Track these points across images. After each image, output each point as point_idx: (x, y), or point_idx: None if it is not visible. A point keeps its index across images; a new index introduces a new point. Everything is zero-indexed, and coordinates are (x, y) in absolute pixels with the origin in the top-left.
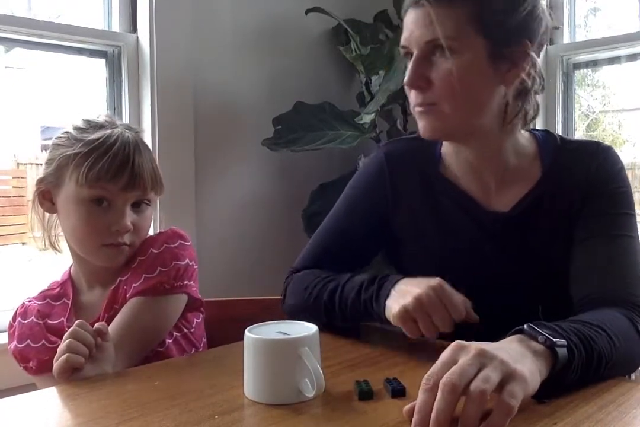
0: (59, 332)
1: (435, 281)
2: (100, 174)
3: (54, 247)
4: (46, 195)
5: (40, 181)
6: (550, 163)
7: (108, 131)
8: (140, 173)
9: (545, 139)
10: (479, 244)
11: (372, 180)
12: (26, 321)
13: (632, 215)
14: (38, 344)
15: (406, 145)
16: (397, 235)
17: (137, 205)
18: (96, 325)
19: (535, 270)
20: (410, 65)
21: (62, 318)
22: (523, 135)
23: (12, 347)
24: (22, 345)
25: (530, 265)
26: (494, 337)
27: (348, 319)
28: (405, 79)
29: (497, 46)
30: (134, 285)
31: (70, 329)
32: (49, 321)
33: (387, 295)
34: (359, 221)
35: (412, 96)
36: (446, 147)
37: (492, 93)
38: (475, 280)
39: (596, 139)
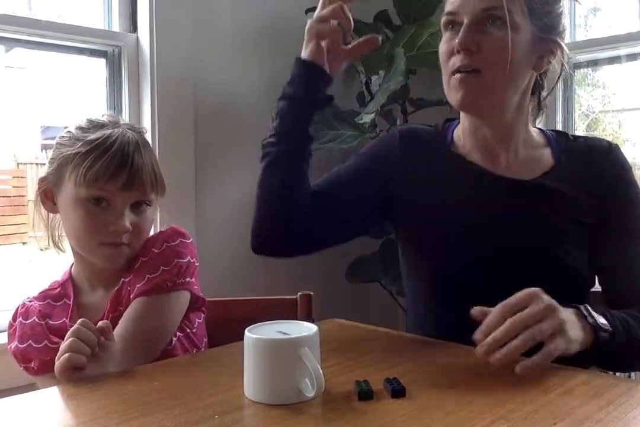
0: (60, 333)
1: None
2: (98, 174)
3: (57, 246)
4: (48, 195)
5: (42, 180)
6: (561, 156)
7: (109, 131)
8: (139, 173)
9: (554, 135)
10: (487, 211)
11: (382, 147)
12: (28, 321)
13: None
14: (40, 345)
15: (421, 127)
16: (402, 205)
17: (137, 206)
18: (100, 323)
19: (543, 242)
20: (462, 29)
21: (64, 319)
22: (533, 130)
23: (12, 347)
24: (24, 345)
25: (536, 236)
26: None
27: (286, 132)
28: (458, 41)
29: (539, 33)
30: (137, 286)
31: (73, 327)
32: (50, 322)
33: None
34: (359, 178)
35: (456, 60)
36: (463, 126)
37: (526, 73)
38: (481, 251)
39: None
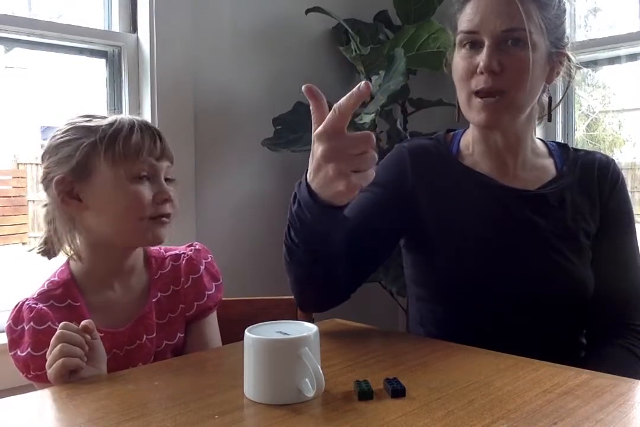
0: None
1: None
2: (137, 147)
3: (73, 250)
4: (71, 194)
5: (60, 182)
6: (563, 166)
7: (116, 116)
8: (167, 144)
9: (555, 146)
10: (498, 221)
11: (394, 166)
12: (42, 327)
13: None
14: None
15: (426, 142)
16: (416, 219)
17: (168, 180)
18: (83, 322)
19: (549, 251)
20: (486, 51)
21: (74, 322)
22: (536, 140)
23: (23, 354)
24: (40, 353)
25: (543, 245)
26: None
27: (300, 238)
28: (483, 63)
29: (552, 48)
30: (196, 303)
31: (57, 333)
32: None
33: (303, 180)
34: (383, 210)
35: (478, 81)
36: (473, 134)
37: (541, 87)
38: (491, 260)
39: (596, 139)
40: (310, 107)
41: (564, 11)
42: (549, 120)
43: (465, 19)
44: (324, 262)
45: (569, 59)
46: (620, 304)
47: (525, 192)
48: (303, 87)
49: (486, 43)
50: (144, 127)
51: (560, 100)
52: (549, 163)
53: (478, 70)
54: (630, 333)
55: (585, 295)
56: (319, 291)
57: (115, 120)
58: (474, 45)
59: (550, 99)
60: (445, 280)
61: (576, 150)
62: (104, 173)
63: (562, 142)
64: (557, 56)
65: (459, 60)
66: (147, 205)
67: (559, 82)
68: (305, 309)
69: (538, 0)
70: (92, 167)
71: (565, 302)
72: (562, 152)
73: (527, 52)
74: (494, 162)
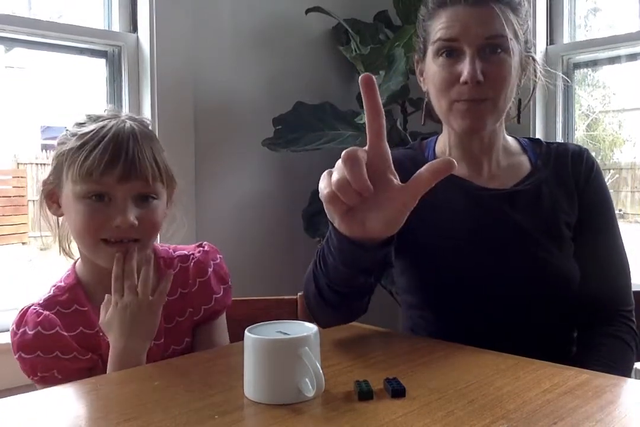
0: (80, 343)
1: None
2: (91, 167)
3: (65, 252)
4: (53, 198)
5: (44, 183)
6: (537, 161)
7: (104, 122)
8: (137, 163)
9: (528, 142)
10: (480, 223)
11: None
12: (50, 332)
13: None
14: (69, 356)
15: (402, 152)
16: (403, 228)
17: (142, 199)
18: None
19: (533, 247)
20: (470, 61)
21: (81, 327)
22: (509, 138)
23: (29, 356)
24: (50, 356)
25: (526, 242)
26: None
27: (330, 273)
28: (468, 74)
29: (523, 51)
30: (204, 307)
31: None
32: (69, 333)
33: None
34: None
35: (462, 90)
36: (449, 140)
37: (515, 89)
38: (480, 265)
39: (596, 139)
40: (364, 103)
41: (528, 13)
42: (518, 122)
43: (442, 27)
44: (348, 298)
45: (534, 60)
46: (608, 292)
47: (502, 191)
48: (361, 76)
49: (468, 52)
50: (114, 141)
51: (527, 102)
52: (523, 159)
53: (461, 80)
54: (619, 319)
55: (571, 286)
56: (342, 317)
57: (94, 129)
58: (452, 53)
59: (520, 100)
60: (432, 285)
61: (548, 143)
62: (67, 185)
63: (535, 137)
64: (527, 58)
65: (436, 69)
66: (97, 228)
67: (559, 84)
68: (322, 326)
69: (511, 5)
70: (62, 177)
71: (553, 295)
72: (535, 146)
73: (508, 58)
74: (471, 165)
